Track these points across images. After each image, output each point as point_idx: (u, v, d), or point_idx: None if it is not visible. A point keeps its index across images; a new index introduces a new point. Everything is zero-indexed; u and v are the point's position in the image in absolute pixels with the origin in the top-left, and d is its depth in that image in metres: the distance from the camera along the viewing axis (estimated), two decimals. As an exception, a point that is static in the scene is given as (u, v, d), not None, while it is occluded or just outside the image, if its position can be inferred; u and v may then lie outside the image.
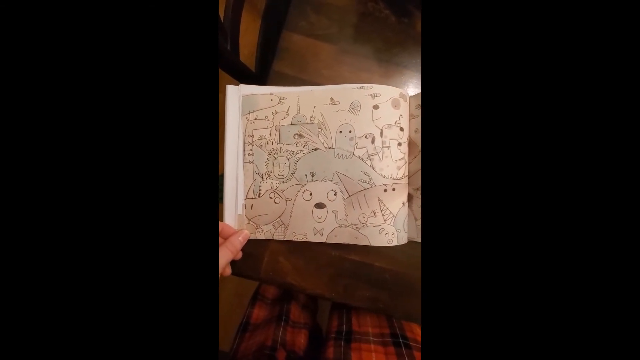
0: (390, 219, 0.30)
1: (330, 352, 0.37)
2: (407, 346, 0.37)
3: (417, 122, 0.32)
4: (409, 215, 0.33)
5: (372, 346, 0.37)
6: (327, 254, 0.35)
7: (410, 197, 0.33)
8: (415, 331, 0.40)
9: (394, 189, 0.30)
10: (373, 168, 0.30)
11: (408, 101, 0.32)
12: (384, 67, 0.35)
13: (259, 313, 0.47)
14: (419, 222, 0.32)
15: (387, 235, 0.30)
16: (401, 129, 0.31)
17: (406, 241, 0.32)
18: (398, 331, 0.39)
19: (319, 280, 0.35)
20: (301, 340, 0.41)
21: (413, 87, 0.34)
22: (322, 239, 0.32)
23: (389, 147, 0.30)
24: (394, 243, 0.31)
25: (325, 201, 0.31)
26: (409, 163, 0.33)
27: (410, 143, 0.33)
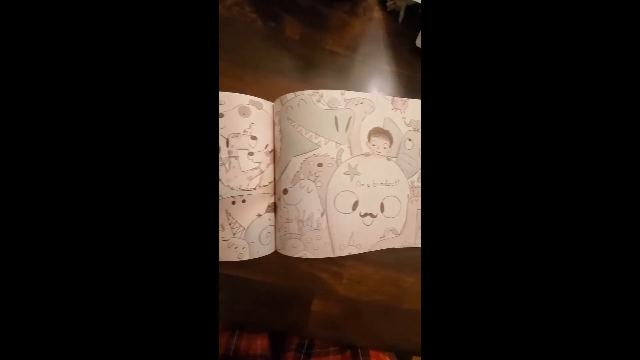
0: (241, 233, 0.29)
1: None
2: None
3: (277, 130, 0.31)
4: (275, 225, 0.32)
5: (332, 357, 0.37)
6: (199, 269, 0.33)
7: (274, 207, 0.32)
8: None
9: (244, 201, 0.29)
10: (219, 180, 0.29)
11: (265, 108, 0.31)
12: (250, 73, 0.34)
13: None
14: (281, 232, 0.31)
15: (237, 249, 0.29)
16: (253, 138, 0.30)
17: (265, 254, 0.31)
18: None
19: (191, 297, 0.34)
20: (258, 342, 0.40)
21: (279, 93, 0.33)
22: (176, 256, 0.30)
23: (236, 157, 0.29)
24: (246, 257, 0.29)
25: (177, 216, 0.30)
26: (274, 171, 0.32)
27: (273, 151, 0.32)
